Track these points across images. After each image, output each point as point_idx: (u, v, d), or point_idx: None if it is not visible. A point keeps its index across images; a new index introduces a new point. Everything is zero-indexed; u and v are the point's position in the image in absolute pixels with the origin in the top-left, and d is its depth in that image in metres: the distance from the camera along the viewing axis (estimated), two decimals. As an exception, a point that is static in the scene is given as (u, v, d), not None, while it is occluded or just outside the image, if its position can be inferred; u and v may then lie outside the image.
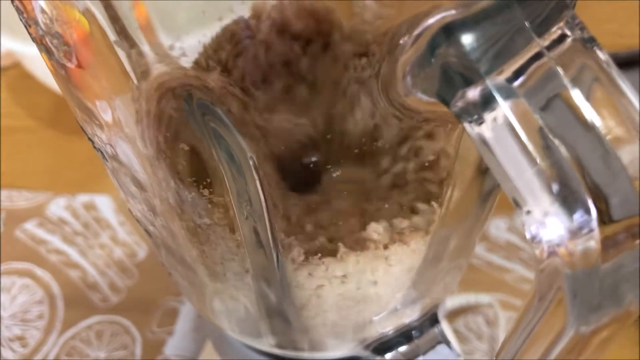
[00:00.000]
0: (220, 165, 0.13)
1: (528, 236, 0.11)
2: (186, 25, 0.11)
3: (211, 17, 0.11)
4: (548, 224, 0.11)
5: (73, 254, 0.41)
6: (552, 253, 0.11)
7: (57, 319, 0.38)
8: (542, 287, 0.11)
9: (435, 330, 0.20)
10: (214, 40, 0.11)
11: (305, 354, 0.21)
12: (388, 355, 0.20)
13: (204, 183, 0.14)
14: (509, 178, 0.11)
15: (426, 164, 0.14)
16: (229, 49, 0.12)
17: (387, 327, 0.20)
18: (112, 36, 0.12)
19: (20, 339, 0.37)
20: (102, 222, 0.43)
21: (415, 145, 0.14)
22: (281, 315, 0.18)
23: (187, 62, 0.12)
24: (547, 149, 0.10)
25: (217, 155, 0.13)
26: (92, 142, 0.16)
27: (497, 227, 0.41)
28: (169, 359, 0.37)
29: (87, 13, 0.11)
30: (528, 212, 0.11)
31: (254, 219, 0.15)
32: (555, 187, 0.10)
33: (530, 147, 0.10)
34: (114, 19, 0.11)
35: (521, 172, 0.10)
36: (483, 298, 0.38)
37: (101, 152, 0.16)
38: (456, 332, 0.37)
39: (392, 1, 0.11)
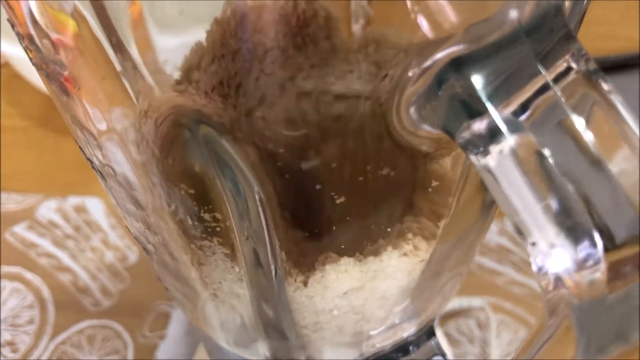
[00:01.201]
0: (223, 190, 0.13)
1: (534, 268, 0.11)
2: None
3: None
4: (554, 256, 0.11)
5: (64, 257, 0.41)
6: (558, 284, 0.11)
7: (48, 324, 0.38)
8: (550, 317, 0.11)
9: (432, 342, 0.20)
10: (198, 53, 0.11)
11: (302, 367, 0.21)
12: (386, 370, 0.20)
13: (205, 207, 0.14)
14: (514, 209, 0.11)
15: (430, 189, 0.14)
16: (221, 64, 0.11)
17: (385, 342, 0.20)
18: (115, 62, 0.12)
19: (10, 344, 0.37)
20: (93, 225, 0.43)
21: (420, 171, 0.14)
22: (279, 332, 0.18)
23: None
24: (553, 182, 0.10)
25: (219, 181, 0.13)
26: (91, 162, 0.16)
27: (489, 230, 0.41)
28: (161, 363, 0.37)
29: (77, 15, 0.11)
30: (533, 243, 0.11)
31: (254, 240, 0.15)
32: (560, 220, 0.10)
33: (535, 180, 0.10)
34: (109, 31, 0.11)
35: (526, 204, 0.11)
36: (475, 301, 0.38)
37: (100, 172, 0.16)
38: (448, 336, 0.37)
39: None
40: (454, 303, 0.38)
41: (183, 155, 0.13)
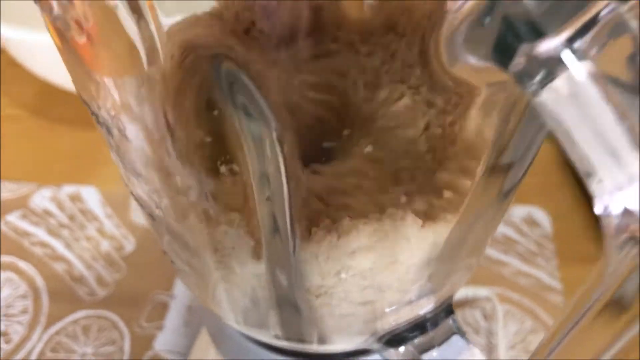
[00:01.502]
0: (243, 138, 0.12)
1: (598, 209, 0.10)
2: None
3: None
4: (622, 194, 0.10)
5: (58, 246, 0.40)
6: (628, 222, 0.10)
7: (42, 314, 0.37)
8: (610, 268, 0.10)
9: (450, 321, 0.19)
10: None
11: (313, 347, 0.20)
12: (402, 348, 0.19)
13: (222, 159, 0.13)
14: (583, 144, 0.10)
15: (459, 141, 0.14)
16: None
17: (401, 319, 0.19)
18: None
19: (4, 334, 0.36)
20: (88, 214, 0.42)
21: (450, 121, 0.13)
22: (292, 304, 0.17)
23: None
24: (634, 104, 0.09)
25: (240, 128, 0.12)
26: (97, 116, 0.15)
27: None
28: (159, 354, 0.36)
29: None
30: (600, 181, 0.10)
31: (273, 200, 0.14)
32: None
33: (616, 102, 0.09)
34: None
35: (602, 132, 0.10)
36: (480, 292, 0.37)
37: (106, 126, 0.15)
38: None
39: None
40: (460, 293, 0.37)
41: (202, 96, 0.12)
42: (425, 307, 0.19)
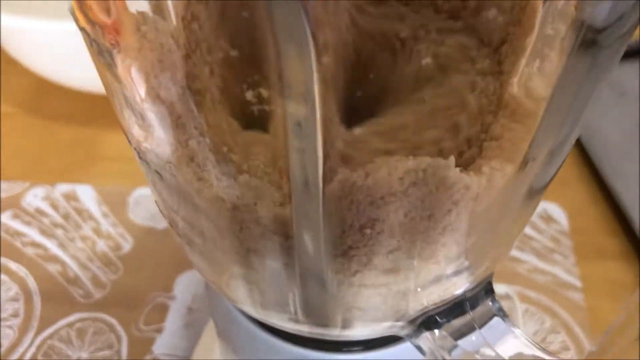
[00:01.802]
0: (275, 54, 0.11)
1: None
2: None
3: None
4: None
5: (52, 247, 0.38)
6: None
7: (34, 317, 0.35)
8: None
9: (490, 301, 0.17)
10: None
11: (336, 331, 0.18)
12: (438, 332, 0.17)
13: (250, 78, 0.12)
14: None
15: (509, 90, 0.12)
16: None
17: (435, 297, 0.17)
18: None
19: (-7, 338, 0.34)
20: (83, 214, 0.40)
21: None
22: (317, 277, 0.16)
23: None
24: None
25: (272, 36, 0.10)
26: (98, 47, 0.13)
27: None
28: (159, 358, 0.34)
29: None
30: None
31: (305, 146, 0.12)
32: None
33: None
34: None
35: None
36: (499, 289, 0.35)
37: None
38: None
39: None
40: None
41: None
42: (462, 285, 0.17)
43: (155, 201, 0.18)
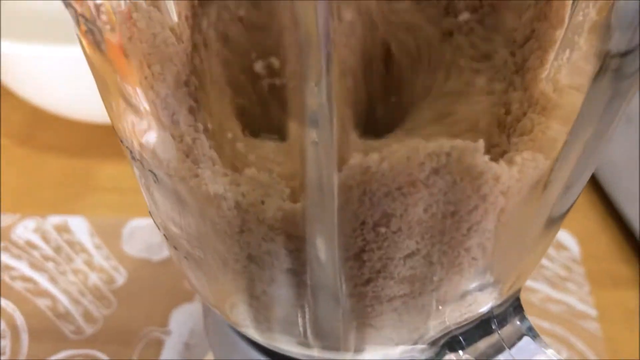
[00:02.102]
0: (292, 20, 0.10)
1: None
2: None
3: None
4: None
5: (42, 280, 0.36)
6: None
7: (21, 354, 0.33)
8: None
9: (517, 320, 0.16)
10: None
11: (348, 356, 0.17)
12: (463, 354, 0.15)
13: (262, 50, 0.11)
14: None
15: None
16: None
17: (458, 316, 0.16)
18: None
19: (-24, 378, 0.32)
20: (75, 246, 0.38)
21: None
22: (328, 286, 0.14)
23: None
24: None
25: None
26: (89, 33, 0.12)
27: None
28: (153, 397, 0.32)
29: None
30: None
31: (319, 131, 0.11)
32: None
33: None
34: None
35: None
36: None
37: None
38: None
39: None
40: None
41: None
42: (488, 301, 0.16)
43: (150, 211, 0.16)
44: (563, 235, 0.38)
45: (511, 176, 0.12)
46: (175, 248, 0.16)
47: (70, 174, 0.42)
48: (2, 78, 0.41)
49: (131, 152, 0.14)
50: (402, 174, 0.11)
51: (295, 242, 0.13)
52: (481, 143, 0.11)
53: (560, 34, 0.13)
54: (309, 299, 0.14)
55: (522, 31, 0.13)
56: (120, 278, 0.37)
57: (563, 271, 0.37)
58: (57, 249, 0.38)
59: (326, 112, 0.11)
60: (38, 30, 0.38)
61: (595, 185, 0.40)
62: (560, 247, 0.38)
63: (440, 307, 0.15)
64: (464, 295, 0.15)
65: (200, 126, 0.13)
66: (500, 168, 0.12)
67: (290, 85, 0.11)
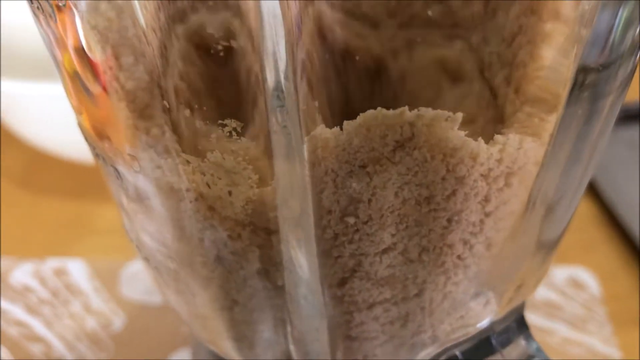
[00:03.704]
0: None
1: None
2: None
3: None
4: None
5: (37, 325, 0.35)
6: None
7: (11, 402, 0.32)
8: None
9: (523, 340, 0.14)
10: None
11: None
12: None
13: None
14: None
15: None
16: None
17: (453, 330, 0.14)
18: None
19: None
20: (73, 289, 0.37)
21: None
22: (307, 297, 0.13)
23: None
24: None
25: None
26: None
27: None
28: None
29: None
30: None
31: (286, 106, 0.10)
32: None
33: None
34: None
35: None
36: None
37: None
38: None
39: None
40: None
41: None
42: (485, 315, 0.14)
43: (125, 228, 0.15)
44: (581, 274, 0.36)
45: (490, 156, 0.11)
46: (147, 260, 0.15)
47: (69, 216, 0.42)
48: (1, 118, 0.41)
49: (95, 147, 0.13)
50: (363, 148, 0.10)
51: (265, 238, 0.12)
52: (458, 115, 0.10)
53: (553, 27, 0.13)
54: (286, 308, 0.13)
55: (509, 29, 0.13)
56: (119, 321, 0.35)
57: (583, 311, 0.34)
58: (55, 292, 0.37)
59: (290, 87, 0.10)
60: (38, 69, 0.38)
61: (614, 221, 0.39)
62: (579, 286, 0.36)
63: (427, 318, 0.14)
64: (454, 304, 0.14)
65: (167, 117, 0.12)
66: (477, 145, 0.11)
67: (251, 61, 0.10)
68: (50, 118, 0.39)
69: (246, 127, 0.11)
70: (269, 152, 0.10)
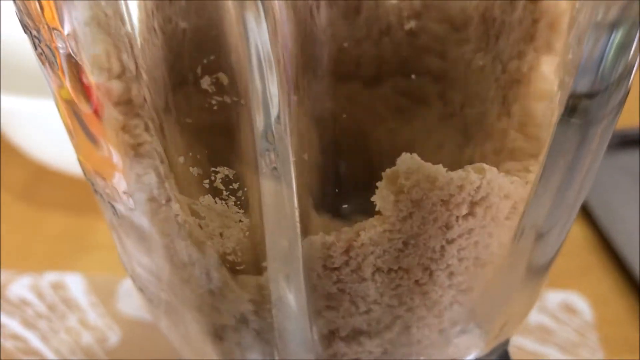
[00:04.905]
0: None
1: None
2: None
3: None
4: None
5: (33, 339, 0.35)
6: None
7: (5, 416, 0.32)
8: None
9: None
10: None
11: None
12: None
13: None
14: None
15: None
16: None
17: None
18: None
19: None
20: (70, 303, 0.37)
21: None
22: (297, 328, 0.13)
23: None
24: None
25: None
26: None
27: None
28: None
29: None
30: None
31: (280, 171, 0.10)
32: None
33: None
34: None
35: None
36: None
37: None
38: None
39: None
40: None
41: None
42: (472, 348, 0.15)
43: (120, 256, 0.16)
44: (575, 299, 0.37)
45: (450, 181, 0.12)
46: (142, 290, 0.15)
47: (69, 231, 0.42)
48: (3, 132, 0.41)
49: (93, 184, 0.13)
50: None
51: (256, 277, 0.12)
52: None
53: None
54: (275, 343, 0.13)
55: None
56: (114, 337, 0.36)
57: (575, 336, 0.35)
58: (52, 307, 0.37)
59: (281, 129, 0.10)
60: (39, 85, 0.38)
61: (608, 247, 0.39)
62: (572, 311, 0.36)
63: (414, 347, 0.14)
64: (442, 332, 0.14)
65: (162, 161, 0.12)
66: (435, 169, 0.11)
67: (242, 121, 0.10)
68: (51, 133, 0.39)
69: (238, 174, 0.11)
70: (259, 193, 0.11)
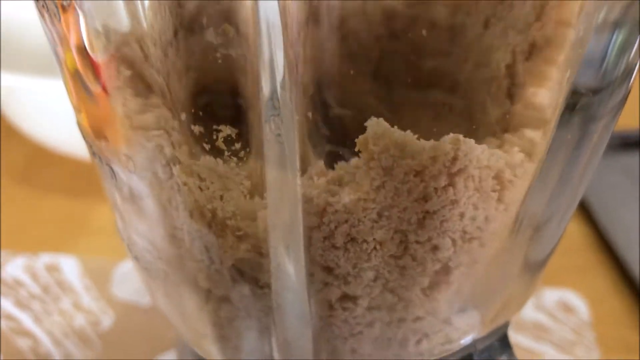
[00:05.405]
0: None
1: None
2: None
3: None
4: None
5: (26, 320, 0.35)
6: None
7: (-5, 396, 0.32)
8: None
9: (504, 358, 0.15)
10: None
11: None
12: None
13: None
14: None
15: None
16: None
17: (437, 345, 0.14)
18: None
19: (-54, 417, 0.30)
20: (64, 286, 0.37)
21: None
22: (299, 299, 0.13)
23: None
24: None
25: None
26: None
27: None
28: None
29: None
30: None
31: (282, 126, 0.10)
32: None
33: None
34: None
35: None
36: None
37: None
38: None
39: None
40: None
41: None
42: (469, 331, 0.14)
43: (117, 225, 0.15)
44: (572, 297, 0.36)
45: (422, 150, 0.11)
46: (137, 259, 0.15)
47: (66, 214, 0.42)
48: (3, 113, 0.41)
49: (92, 146, 0.13)
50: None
51: (255, 245, 0.12)
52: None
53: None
54: (272, 314, 0.13)
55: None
56: (108, 320, 0.35)
57: (571, 335, 0.35)
58: (45, 288, 0.37)
59: (286, 96, 0.10)
60: (40, 64, 0.38)
61: (607, 246, 0.39)
62: (569, 309, 0.36)
63: (413, 318, 0.14)
64: (443, 315, 0.14)
65: (165, 120, 0.12)
66: (403, 135, 0.11)
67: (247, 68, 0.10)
68: (51, 113, 0.39)
69: (241, 134, 0.11)
70: (261, 160, 0.11)
